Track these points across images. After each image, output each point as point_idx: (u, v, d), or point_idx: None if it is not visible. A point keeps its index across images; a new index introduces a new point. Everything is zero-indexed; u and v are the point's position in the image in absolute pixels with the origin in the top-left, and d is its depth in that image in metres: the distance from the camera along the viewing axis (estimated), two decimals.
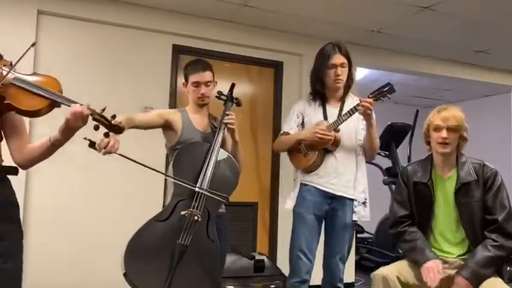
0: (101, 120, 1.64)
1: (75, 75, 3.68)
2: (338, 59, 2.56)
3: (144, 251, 2.09)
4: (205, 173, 2.26)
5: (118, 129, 1.69)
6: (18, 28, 3.56)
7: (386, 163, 5.41)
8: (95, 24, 3.82)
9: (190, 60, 2.58)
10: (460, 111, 2.28)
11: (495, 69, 5.50)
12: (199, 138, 2.42)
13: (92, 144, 1.83)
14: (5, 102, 1.54)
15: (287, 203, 2.64)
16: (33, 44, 1.61)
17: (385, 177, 5.36)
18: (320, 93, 2.65)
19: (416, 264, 2.24)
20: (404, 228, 2.34)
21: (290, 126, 2.69)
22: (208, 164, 2.28)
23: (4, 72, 1.55)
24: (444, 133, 2.22)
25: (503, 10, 3.77)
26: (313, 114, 2.63)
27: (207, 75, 2.45)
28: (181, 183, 2.18)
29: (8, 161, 1.71)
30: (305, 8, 3.88)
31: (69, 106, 1.59)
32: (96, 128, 1.64)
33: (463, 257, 2.25)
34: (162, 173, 2.26)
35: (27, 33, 3.56)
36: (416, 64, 5.10)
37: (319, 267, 2.62)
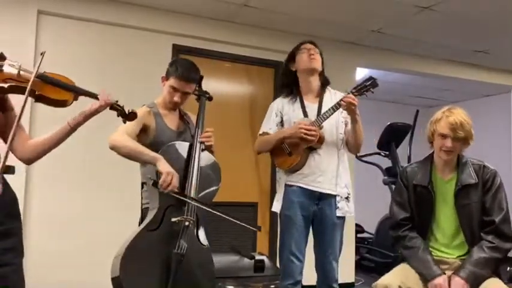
0: (118, 109, 1.84)
1: (74, 75, 3.63)
2: (310, 45, 2.61)
3: (139, 262, 2.06)
4: (191, 178, 2.21)
5: (134, 116, 1.87)
6: (18, 28, 3.56)
7: (387, 163, 5.41)
8: (95, 24, 3.82)
9: (183, 58, 2.47)
10: (467, 116, 2.19)
11: (495, 69, 5.50)
12: (173, 137, 2.34)
13: (155, 184, 2.10)
14: (36, 94, 1.63)
15: (274, 206, 2.58)
16: (43, 54, 1.67)
17: (385, 177, 5.36)
18: (292, 86, 2.62)
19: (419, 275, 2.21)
20: (404, 233, 2.30)
21: (269, 126, 2.61)
22: (193, 168, 2.23)
23: (23, 72, 1.64)
24: (449, 142, 2.16)
25: (503, 10, 3.77)
26: (292, 112, 2.56)
27: (188, 87, 2.35)
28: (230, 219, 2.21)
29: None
30: (305, 8, 3.88)
31: (91, 97, 1.77)
32: (118, 115, 1.86)
33: (463, 257, 2.23)
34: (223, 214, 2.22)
35: (27, 33, 3.57)
36: (416, 64, 5.10)
37: (311, 266, 2.58)
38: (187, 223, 2.13)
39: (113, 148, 2.18)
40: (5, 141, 1.71)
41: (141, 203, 2.40)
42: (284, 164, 2.53)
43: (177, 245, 2.09)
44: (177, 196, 2.14)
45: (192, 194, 2.20)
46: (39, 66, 1.62)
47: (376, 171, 5.42)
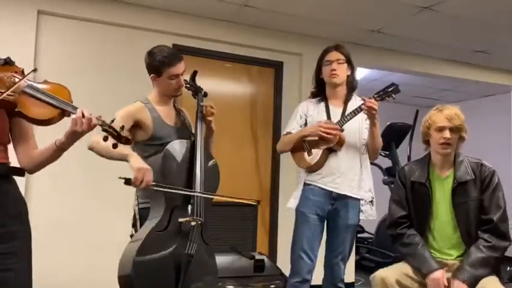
0: (110, 131, 1.65)
1: (75, 75, 3.68)
2: (333, 55, 2.59)
3: (149, 261, 2.05)
4: (196, 174, 2.20)
5: (126, 141, 1.70)
6: (18, 28, 3.56)
7: (387, 163, 5.41)
8: (95, 24, 3.82)
9: (156, 49, 2.38)
10: (459, 110, 2.27)
11: (495, 69, 5.50)
12: (172, 134, 2.31)
13: (128, 181, 1.99)
14: (16, 110, 1.54)
15: (290, 202, 2.63)
16: (35, 70, 1.60)
17: (385, 177, 5.36)
18: (319, 92, 2.68)
19: (417, 271, 2.22)
20: (402, 230, 2.32)
21: (292, 126, 2.68)
22: (195, 165, 2.22)
23: (16, 80, 1.55)
24: (447, 133, 2.21)
25: (502, 10, 3.77)
26: (317, 114, 2.62)
27: (183, 65, 2.32)
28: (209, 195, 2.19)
29: (13, 163, 1.71)
30: (305, 8, 3.88)
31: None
32: (106, 138, 1.65)
33: (461, 258, 2.24)
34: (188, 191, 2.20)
35: (27, 33, 3.57)
36: (416, 64, 5.10)
37: (321, 267, 2.61)
38: (194, 223, 2.13)
39: (90, 149, 2.12)
40: (14, 146, 1.70)
41: (137, 202, 2.32)
42: (303, 163, 2.59)
43: (188, 246, 2.10)
44: (182, 192, 2.14)
45: (198, 190, 2.20)
46: (20, 80, 1.54)
47: (376, 171, 5.42)
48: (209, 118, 2.37)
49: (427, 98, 7.02)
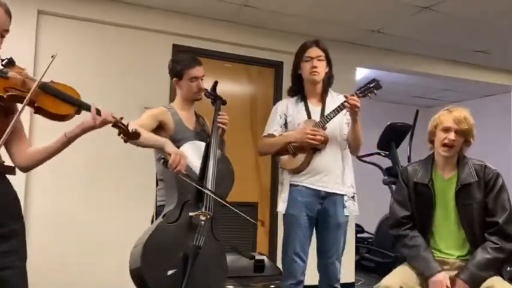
0: (121, 127, 1.79)
1: (75, 75, 3.66)
2: (314, 51, 2.57)
3: (159, 253, 2.09)
4: (208, 172, 2.27)
5: (136, 136, 1.84)
6: (18, 28, 3.54)
7: (387, 163, 5.41)
8: (95, 24, 3.83)
9: (178, 55, 2.54)
10: (470, 114, 2.24)
11: (495, 69, 5.51)
12: (191, 137, 2.41)
13: (166, 163, 2.15)
14: (36, 105, 1.60)
15: (279, 206, 2.58)
16: (53, 56, 1.65)
17: (385, 177, 5.35)
18: (298, 89, 2.65)
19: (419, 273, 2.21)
20: (405, 232, 2.30)
21: (274, 128, 2.64)
22: (208, 165, 2.29)
23: (27, 80, 1.62)
24: (452, 135, 2.18)
25: (503, 10, 3.77)
26: (296, 114, 2.59)
27: (202, 69, 2.49)
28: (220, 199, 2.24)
29: (7, 162, 1.71)
30: (305, 8, 3.88)
31: (90, 112, 1.71)
32: (119, 134, 1.80)
33: (464, 258, 2.23)
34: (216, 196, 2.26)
35: (27, 33, 3.57)
36: (416, 64, 5.10)
37: (313, 266, 2.59)
38: (203, 217, 2.18)
39: None
40: (5, 146, 1.70)
41: (156, 201, 2.44)
42: (289, 164, 2.56)
43: (195, 238, 2.15)
44: (194, 184, 2.20)
45: (209, 188, 2.26)
46: (43, 76, 1.59)
47: (376, 171, 5.42)
48: (222, 125, 2.45)
49: (427, 98, 7.02)
